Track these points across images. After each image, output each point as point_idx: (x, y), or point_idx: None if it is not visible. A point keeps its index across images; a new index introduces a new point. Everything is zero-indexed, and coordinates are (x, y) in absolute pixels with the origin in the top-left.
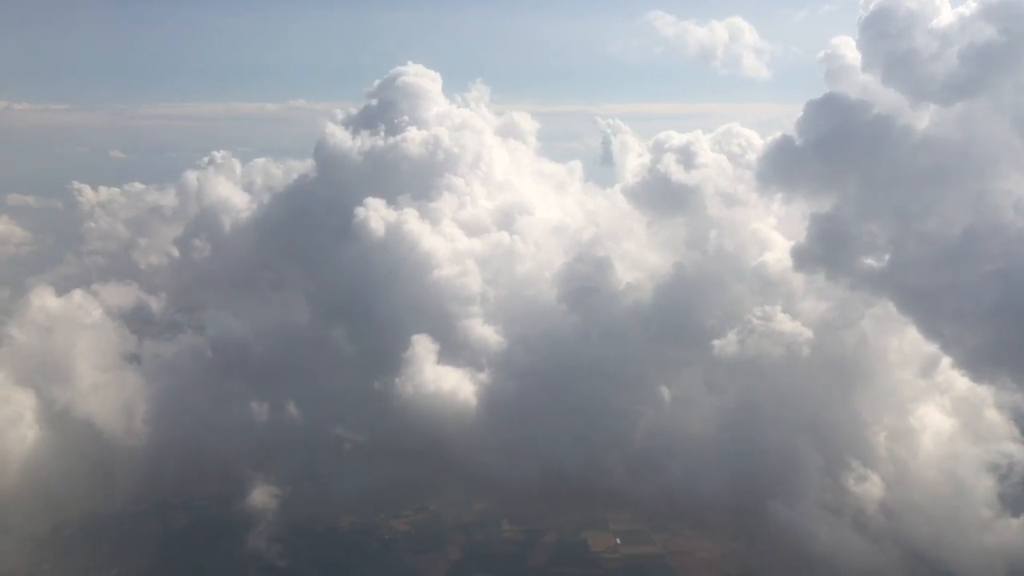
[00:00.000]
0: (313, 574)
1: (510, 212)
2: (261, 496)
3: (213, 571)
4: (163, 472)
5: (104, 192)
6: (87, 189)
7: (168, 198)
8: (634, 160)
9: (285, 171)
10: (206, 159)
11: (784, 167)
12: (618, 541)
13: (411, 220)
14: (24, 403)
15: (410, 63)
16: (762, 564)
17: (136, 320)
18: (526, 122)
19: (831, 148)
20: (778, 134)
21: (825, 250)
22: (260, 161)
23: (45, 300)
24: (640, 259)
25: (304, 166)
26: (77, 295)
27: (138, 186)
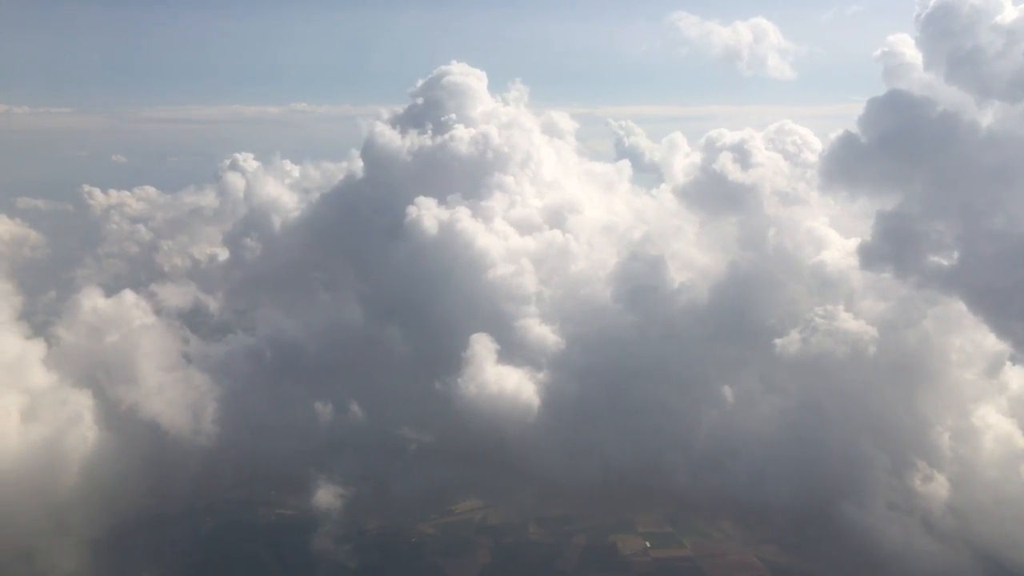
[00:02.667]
0: None
1: (560, 211)
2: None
3: (241, 574)
4: (217, 473)
5: (114, 195)
6: (97, 192)
7: (187, 200)
8: (681, 160)
9: (323, 173)
10: (227, 161)
11: (849, 164)
12: (647, 544)
13: (464, 219)
14: (82, 403)
15: (454, 62)
16: (801, 566)
17: (186, 320)
18: (565, 122)
19: (896, 145)
20: (840, 131)
21: (892, 248)
22: (283, 163)
23: (94, 301)
24: (689, 259)
25: (339, 168)
26: (127, 296)
27: (149, 190)
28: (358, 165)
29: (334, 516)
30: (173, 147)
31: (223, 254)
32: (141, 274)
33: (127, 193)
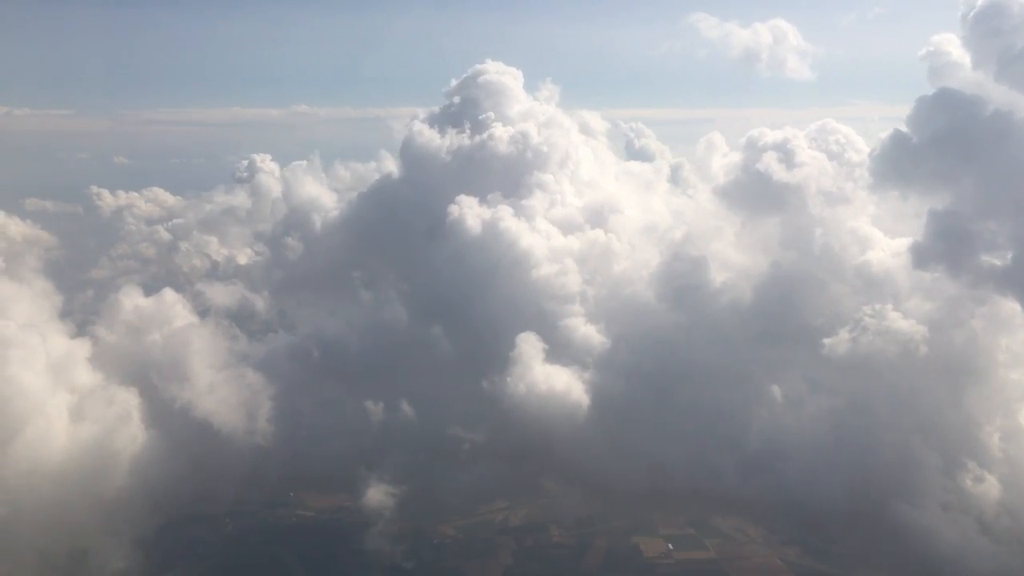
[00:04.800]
0: None
1: (601, 210)
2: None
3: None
4: (264, 472)
5: (123, 196)
6: (106, 194)
7: (218, 200)
8: (719, 160)
9: (352, 173)
10: (245, 163)
11: (900, 163)
12: (670, 546)
13: (507, 217)
14: (129, 402)
15: (489, 60)
16: (825, 569)
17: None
18: (596, 122)
19: (948, 144)
20: (890, 130)
21: (945, 248)
22: (302, 164)
23: (135, 300)
24: (728, 259)
25: (367, 168)
26: (167, 294)
27: (158, 191)
28: (388, 165)
29: (359, 517)
30: (174, 149)
31: (241, 255)
32: (159, 275)
33: (136, 194)
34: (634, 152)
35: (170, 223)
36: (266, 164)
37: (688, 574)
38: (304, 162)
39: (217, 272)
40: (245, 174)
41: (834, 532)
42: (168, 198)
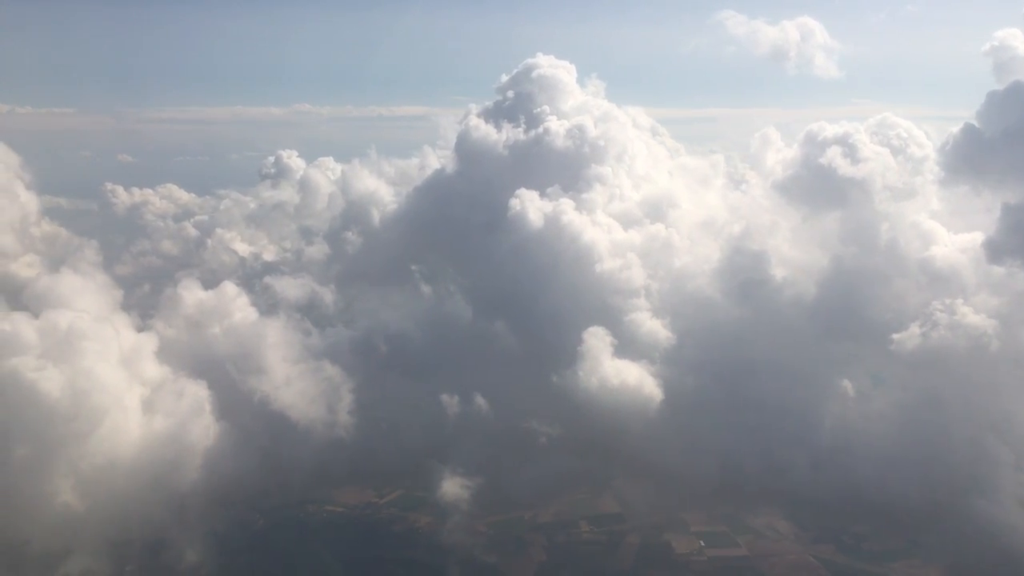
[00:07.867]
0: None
1: (659, 205)
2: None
3: (295, 572)
4: (332, 466)
5: (138, 194)
6: (120, 191)
7: (266, 196)
8: (774, 155)
9: (396, 169)
10: (271, 159)
11: (973, 158)
12: (702, 543)
13: (569, 211)
14: (200, 395)
15: (540, 54)
16: (859, 566)
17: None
18: (642, 117)
19: (1022, 137)
20: (961, 124)
21: (1021, 241)
22: (326, 160)
23: (195, 294)
24: (785, 254)
25: (409, 164)
26: (228, 288)
27: (172, 187)
28: (431, 160)
29: (388, 513)
30: (177, 147)
31: (267, 252)
32: (190, 271)
33: (150, 191)
34: None
35: (194, 219)
36: (294, 160)
37: (720, 571)
38: (328, 158)
39: (245, 268)
40: (273, 171)
41: (906, 528)
42: (182, 195)
